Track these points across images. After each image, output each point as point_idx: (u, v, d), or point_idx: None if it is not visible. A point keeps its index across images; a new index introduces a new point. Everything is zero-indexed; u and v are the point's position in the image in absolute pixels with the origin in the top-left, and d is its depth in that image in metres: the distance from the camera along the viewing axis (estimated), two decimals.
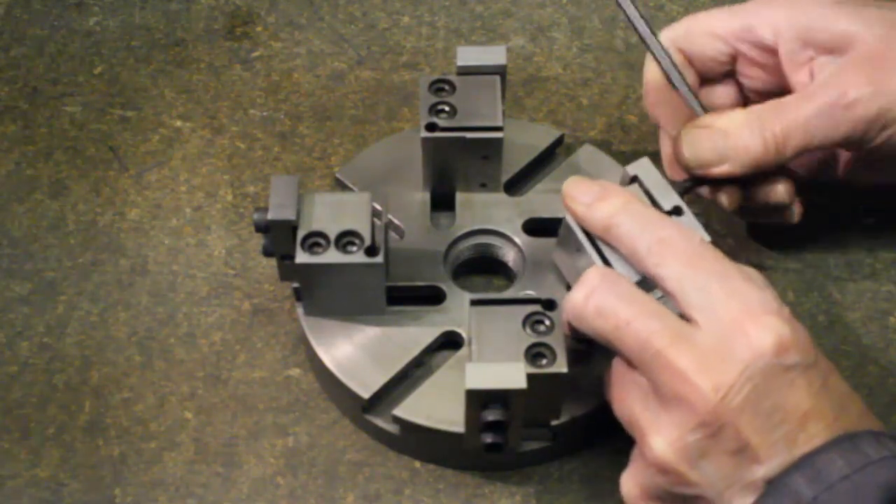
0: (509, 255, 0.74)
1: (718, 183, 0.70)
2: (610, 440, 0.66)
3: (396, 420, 0.67)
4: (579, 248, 0.65)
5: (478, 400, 0.60)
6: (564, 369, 0.61)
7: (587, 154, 0.78)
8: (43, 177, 0.81)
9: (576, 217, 0.65)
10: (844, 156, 0.73)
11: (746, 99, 0.73)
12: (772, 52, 0.70)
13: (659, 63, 0.70)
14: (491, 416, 0.60)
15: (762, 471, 0.56)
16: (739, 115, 0.68)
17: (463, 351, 0.69)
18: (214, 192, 0.80)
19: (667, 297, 0.60)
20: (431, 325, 0.70)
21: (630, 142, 0.82)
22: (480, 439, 0.62)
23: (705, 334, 0.57)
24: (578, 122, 0.83)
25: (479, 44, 0.88)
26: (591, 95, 0.85)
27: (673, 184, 0.67)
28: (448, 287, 0.71)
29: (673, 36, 0.71)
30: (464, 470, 0.68)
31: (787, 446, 0.55)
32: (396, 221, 0.74)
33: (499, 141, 0.72)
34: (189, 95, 0.85)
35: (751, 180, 0.69)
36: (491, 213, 0.75)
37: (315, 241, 0.66)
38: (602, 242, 0.64)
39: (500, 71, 0.73)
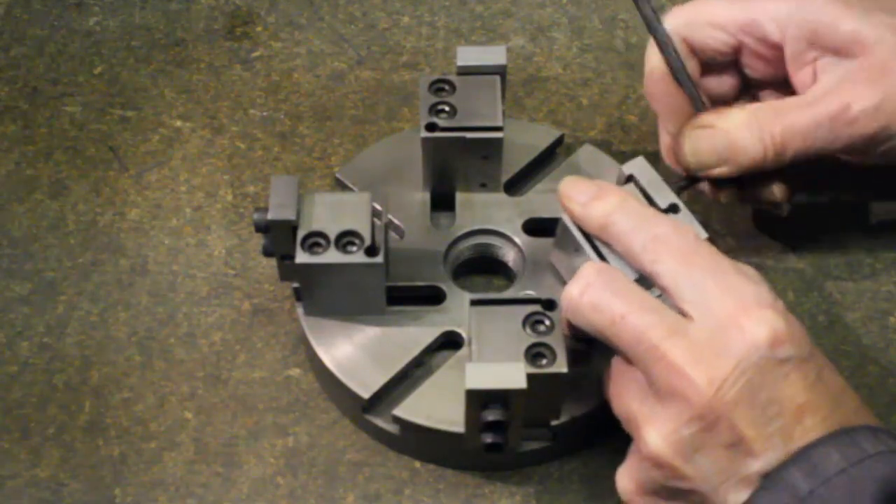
0: (509, 255, 0.74)
1: (715, 181, 0.70)
2: (610, 440, 0.66)
3: (396, 420, 0.67)
4: (577, 248, 0.65)
5: (478, 400, 0.60)
6: (564, 369, 0.61)
7: (587, 154, 0.78)
8: (43, 177, 0.81)
9: (572, 216, 0.65)
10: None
11: (748, 85, 0.73)
12: (776, 47, 0.69)
13: (663, 52, 0.69)
14: (491, 416, 0.60)
15: (757, 464, 0.56)
16: (741, 115, 0.67)
17: (463, 351, 0.69)
18: (214, 192, 0.80)
19: (664, 295, 0.60)
20: (431, 325, 0.70)
21: (630, 142, 0.82)
22: (480, 439, 0.62)
23: (700, 328, 0.57)
24: (578, 122, 0.83)
25: (479, 44, 0.88)
26: (591, 95, 0.85)
27: (669, 182, 0.67)
28: (448, 287, 0.71)
29: (676, 24, 0.70)
30: (464, 470, 0.68)
31: (782, 440, 0.55)
32: (396, 221, 0.74)
33: (499, 141, 0.72)
34: (189, 95, 0.85)
35: (748, 178, 0.69)
36: (491, 213, 0.75)
37: (315, 241, 0.66)
38: (599, 242, 0.64)
39: (500, 71, 0.73)
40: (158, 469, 0.68)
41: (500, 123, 0.72)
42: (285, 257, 0.67)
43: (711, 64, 0.71)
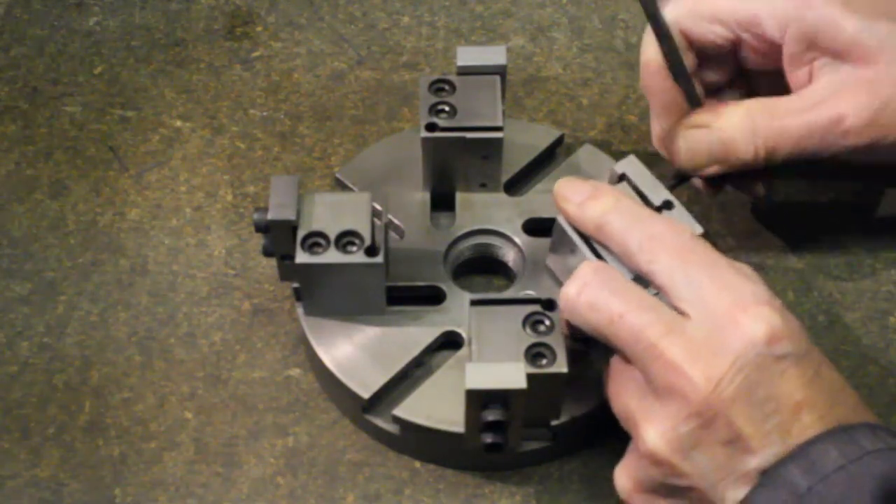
0: (509, 255, 0.74)
1: (706, 178, 0.70)
2: (609, 440, 0.65)
3: (396, 420, 0.67)
4: (573, 250, 0.65)
5: (478, 400, 0.60)
6: (564, 369, 0.61)
7: (587, 154, 0.78)
8: (43, 177, 0.81)
9: (568, 217, 0.65)
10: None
11: (743, 71, 0.72)
12: (774, 44, 0.69)
13: (661, 44, 0.68)
14: (491, 416, 0.60)
15: (755, 461, 0.56)
16: (736, 116, 0.67)
17: (463, 351, 0.69)
18: (214, 192, 0.80)
19: (661, 294, 0.60)
20: (431, 325, 0.70)
21: (630, 142, 0.82)
22: (480, 439, 0.62)
23: (697, 326, 0.57)
24: (578, 122, 0.83)
25: (479, 44, 0.88)
26: (591, 95, 0.85)
27: (661, 179, 0.67)
28: (448, 287, 0.71)
29: (675, 14, 0.69)
30: (464, 470, 0.68)
31: (780, 437, 0.55)
32: (396, 221, 0.74)
33: (499, 141, 0.72)
34: (189, 95, 0.85)
35: (736, 174, 0.70)
36: (491, 213, 0.75)
37: (315, 241, 0.66)
38: (596, 242, 0.64)
39: (500, 71, 0.73)
40: (158, 469, 0.68)
41: (500, 123, 0.72)
42: (285, 257, 0.67)
43: (708, 55, 0.71)
